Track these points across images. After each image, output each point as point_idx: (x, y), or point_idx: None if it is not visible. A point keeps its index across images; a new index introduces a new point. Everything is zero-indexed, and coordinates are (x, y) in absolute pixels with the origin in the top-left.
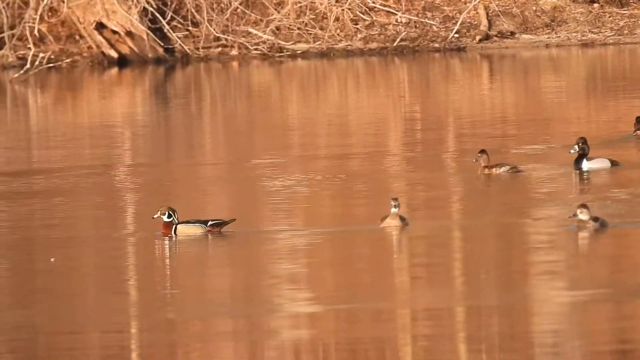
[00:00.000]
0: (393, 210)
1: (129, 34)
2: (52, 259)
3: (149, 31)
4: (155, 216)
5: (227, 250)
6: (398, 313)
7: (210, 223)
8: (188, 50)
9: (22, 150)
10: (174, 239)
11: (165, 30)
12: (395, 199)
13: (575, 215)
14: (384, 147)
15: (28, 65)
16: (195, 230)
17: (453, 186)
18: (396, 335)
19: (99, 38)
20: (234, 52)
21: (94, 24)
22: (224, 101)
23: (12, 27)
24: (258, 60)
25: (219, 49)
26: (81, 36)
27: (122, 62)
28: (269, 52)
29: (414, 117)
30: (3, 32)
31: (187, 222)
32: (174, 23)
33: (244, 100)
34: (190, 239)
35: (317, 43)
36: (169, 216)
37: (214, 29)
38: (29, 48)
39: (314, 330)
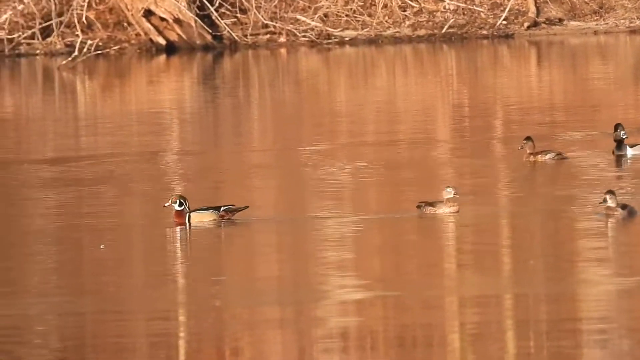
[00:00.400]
0: (449, 196)
1: (177, 21)
2: (101, 246)
3: (197, 18)
4: (167, 204)
5: (274, 238)
6: (446, 300)
7: (223, 209)
8: (236, 37)
9: (70, 138)
10: (187, 227)
11: (213, 17)
12: (452, 187)
13: (604, 201)
14: (431, 134)
15: (76, 53)
16: (209, 217)
17: (499, 173)
18: (444, 322)
19: (147, 25)
20: (282, 39)
21: (142, 11)
22: (271, 88)
23: (60, 15)
24: (306, 47)
25: (267, 35)
26: (129, 23)
27: (170, 49)
28: (317, 39)
29: (462, 104)
30: (51, 19)
31: (200, 209)
32: (222, 10)
33: (291, 88)
34: (204, 227)
35: (365, 30)
36: (180, 204)
37: (262, 16)
38: (77, 35)
39: (361, 317)
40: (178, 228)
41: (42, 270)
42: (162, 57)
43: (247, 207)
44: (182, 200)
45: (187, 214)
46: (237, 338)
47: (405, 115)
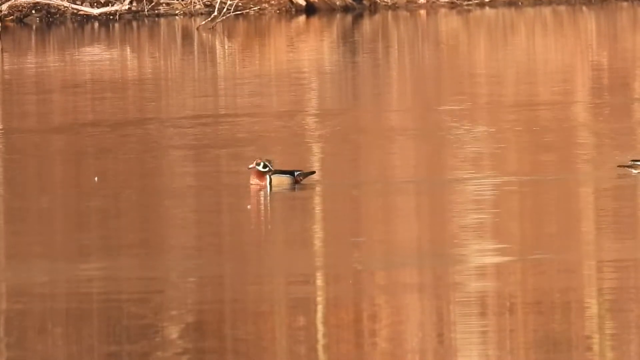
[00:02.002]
0: None
1: None
2: (248, 206)
3: None
4: (250, 166)
5: (413, 200)
6: (584, 264)
7: (297, 173)
8: None
9: (210, 98)
10: (268, 190)
11: None
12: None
13: None
14: (571, 95)
15: (215, 13)
16: (288, 180)
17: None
18: (582, 287)
19: None
20: (422, 0)
21: None
22: (410, 50)
23: None
24: (446, 8)
25: None
26: None
27: (310, 10)
28: (457, 0)
29: (601, 66)
30: None
31: (278, 172)
32: None
33: (430, 49)
34: (282, 189)
35: None
36: (265, 166)
37: None
38: None
39: (499, 281)
40: (260, 191)
41: (180, 231)
42: (302, 18)
43: (314, 172)
44: (266, 163)
45: (269, 177)
46: (375, 302)
47: (544, 77)
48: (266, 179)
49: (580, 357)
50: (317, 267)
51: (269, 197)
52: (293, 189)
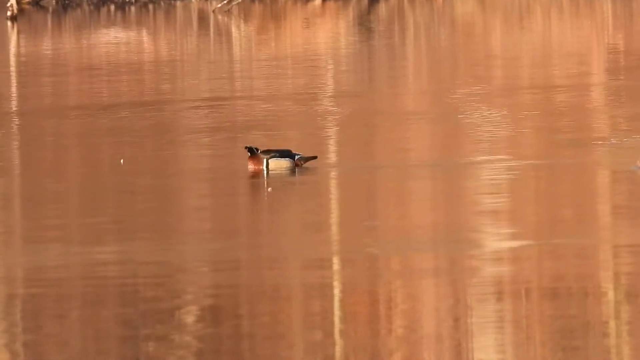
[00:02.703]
0: None
1: None
2: (269, 189)
3: None
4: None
5: (428, 183)
6: (600, 249)
7: (297, 157)
8: None
9: (225, 80)
10: (265, 173)
11: None
12: None
13: None
14: (586, 78)
15: None
16: (286, 164)
17: None
18: (598, 271)
19: None
20: None
21: None
22: (426, 32)
23: None
24: None
25: None
26: None
27: None
28: None
29: (617, 49)
30: None
31: (274, 156)
32: None
33: (446, 32)
34: (280, 173)
35: None
36: (250, 151)
37: None
38: None
39: (515, 266)
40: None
41: (195, 215)
42: (318, 1)
43: (315, 157)
44: (252, 147)
45: (265, 160)
46: (391, 287)
47: (560, 60)
48: (263, 162)
49: (596, 342)
50: (332, 251)
51: (265, 180)
52: (293, 172)
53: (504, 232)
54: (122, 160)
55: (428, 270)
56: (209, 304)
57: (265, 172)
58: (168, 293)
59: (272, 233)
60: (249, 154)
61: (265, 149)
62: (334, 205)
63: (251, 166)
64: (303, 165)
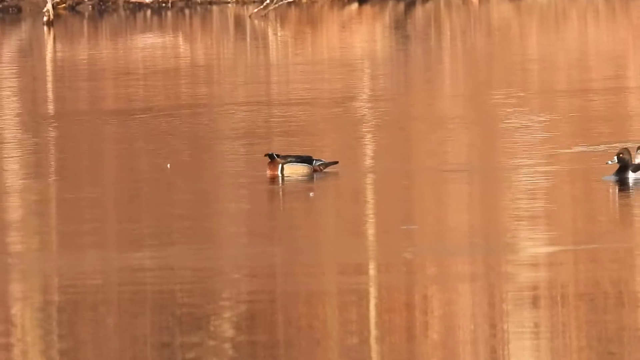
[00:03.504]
0: None
1: None
2: (310, 193)
3: None
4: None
5: (464, 188)
6: (636, 254)
7: (317, 163)
8: None
9: (262, 84)
10: (280, 179)
11: None
12: None
13: None
14: (623, 83)
15: (268, 1)
16: (302, 169)
17: None
18: (634, 276)
19: None
20: None
21: None
22: (463, 37)
23: None
24: None
25: None
26: None
27: None
28: None
29: None
30: None
31: (292, 161)
32: None
33: (483, 36)
34: (298, 179)
35: None
36: (271, 157)
37: None
38: None
39: (552, 271)
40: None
41: (232, 219)
42: (354, 6)
43: (337, 162)
44: (272, 153)
45: (281, 165)
46: (427, 292)
47: (596, 65)
48: (278, 168)
49: (633, 349)
50: (368, 256)
51: (281, 186)
52: (311, 178)
53: (540, 236)
54: (168, 165)
55: (464, 275)
56: (245, 310)
57: (280, 177)
58: (204, 299)
59: (309, 238)
60: (269, 159)
61: (285, 154)
62: (370, 209)
63: (269, 172)
64: (324, 170)
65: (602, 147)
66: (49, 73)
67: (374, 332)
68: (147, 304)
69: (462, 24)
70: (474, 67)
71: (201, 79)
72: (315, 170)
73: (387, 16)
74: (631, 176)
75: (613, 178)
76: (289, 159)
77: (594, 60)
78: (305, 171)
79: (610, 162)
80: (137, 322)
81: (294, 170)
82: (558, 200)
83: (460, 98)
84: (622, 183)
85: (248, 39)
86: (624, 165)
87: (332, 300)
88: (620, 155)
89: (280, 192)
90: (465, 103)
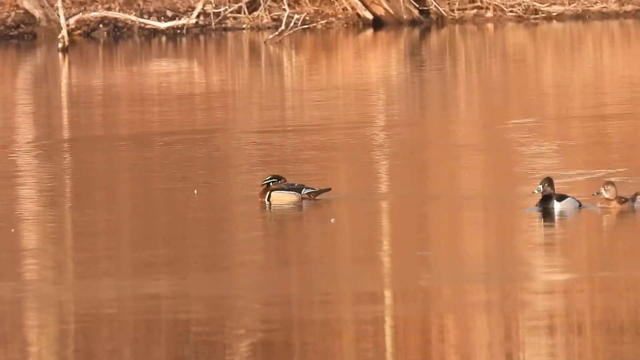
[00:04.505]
0: None
1: None
2: (332, 220)
3: None
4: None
5: (479, 214)
6: None
7: (306, 191)
8: (443, 12)
9: (277, 110)
10: (268, 206)
11: None
12: None
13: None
14: (639, 109)
15: (283, 27)
16: (289, 197)
17: None
18: None
19: (354, 0)
20: (489, 14)
21: None
22: (478, 63)
23: None
24: (513, 22)
25: (474, 10)
26: None
27: (377, 23)
28: (524, 14)
29: None
30: None
31: (282, 189)
32: None
33: (498, 62)
34: (284, 207)
35: (573, 5)
36: (267, 183)
37: None
38: (284, 9)
39: (567, 300)
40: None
41: (247, 246)
42: (369, 32)
43: (329, 189)
44: (270, 180)
45: (268, 193)
46: (443, 321)
47: (612, 91)
48: (265, 194)
49: None
50: (384, 283)
51: (270, 213)
52: (299, 206)
53: (556, 264)
54: (195, 191)
55: (480, 302)
56: (261, 339)
57: (267, 205)
58: (220, 328)
59: (324, 265)
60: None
61: (279, 183)
62: (385, 235)
63: (260, 199)
64: (316, 198)
65: (617, 174)
66: (64, 99)
67: None
68: (162, 333)
69: (477, 50)
70: (489, 93)
71: (216, 104)
72: (304, 199)
73: (402, 42)
74: (556, 206)
75: (536, 209)
76: (278, 187)
77: (610, 87)
78: (291, 199)
79: (536, 192)
80: (152, 351)
81: (280, 198)
82: (573, 228)
83: (475, 124)
84: (546, 214)
85: (263, 64)
86: (548, 195)
87: (348, 329)
88: (545, 184)
89: (300, 219)
90: (480, 129)
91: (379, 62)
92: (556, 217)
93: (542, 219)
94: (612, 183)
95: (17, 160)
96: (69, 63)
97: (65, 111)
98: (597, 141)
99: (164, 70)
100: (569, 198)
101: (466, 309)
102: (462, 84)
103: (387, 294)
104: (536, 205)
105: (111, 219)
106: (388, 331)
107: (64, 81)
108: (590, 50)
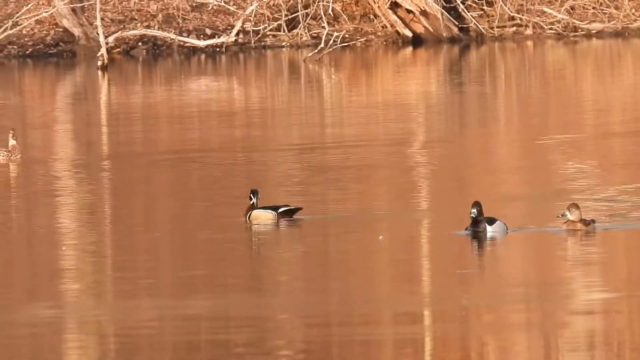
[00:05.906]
0: None
1: (424, 13)
2: (380, 237)
3: (443, 10)
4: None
5: (520, 235)
6: None
7: (281, 210)
8: (482, 30)
9: (316, 127)
10: (247, 223)
11: (459, 10)
12: None
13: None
14: None
15: (322, 45)
16: (266, 217)
17: None
18: None
19: (394, 17)
20: (529, 31)
21: (388, 3)
22: (518, 80)
23: (306, 7)
24: (552, 39)
25: (514, 28)
26: (375, 15)
27: (417, 41)
28: (564, 31)
29: None
30: (297, 11)
31: (262, 207)
32: (469, 2)
33: (538, 80)
34: (262, 225)
35: (612, 22)
36: (250, 199)
37: (509, 9)
38: (323, 27)
39: (607, 320)
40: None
41: (287, 265)
42: (408, 49)
43: (301, 208)
44: (252, 195)
45: (250, 211)
46: (483, 341)
47: None
48: (246, 213)
49: None
50: (423, 303)
51: (259, 232)
52: (276, 225)
53: (596, 283)
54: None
55: (519, 322)
56: (301, 359)
57: (247, 221)
58: (259, 349)
59: (364, 284)
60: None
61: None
62: (425, 254)
63: (243, 217)
64: (290, 218)
65: None
66: (104, 117)
67: None
68: (201, 354)
69: (516, 68)
70: (528, 110)
71: (256, 122)
72: (279, 218)
73: (442, 59)
74: (488, 229)
75: (467, 232)
76: (260, 207)
77: None
78: (269, 218)
79: (472, 215)
80: None
81: (258, 217)
82: (613, 247)
83: (515, 142)
84: (476, 237)
85: (302, 82)
86: (477, 219)
87: (387, 350)
88: (477, 209)
89: (335, 237)
90: (519, 147)
91: (418, 80)
92: (487, 240)
93: (474, 243)
94: (576, 205)
95: (57, 178)
96: (108, 81)
97: (104, 129)
98: (635, 159)
99: (204, 88)
100: (498, 221)
101: (506, 329)
102: (501, 101)
103: (427, 313)
104: (466, 228)
105: (151, 238)
106: (428, 352)
107: (103, 99)
108: (630, 68)
